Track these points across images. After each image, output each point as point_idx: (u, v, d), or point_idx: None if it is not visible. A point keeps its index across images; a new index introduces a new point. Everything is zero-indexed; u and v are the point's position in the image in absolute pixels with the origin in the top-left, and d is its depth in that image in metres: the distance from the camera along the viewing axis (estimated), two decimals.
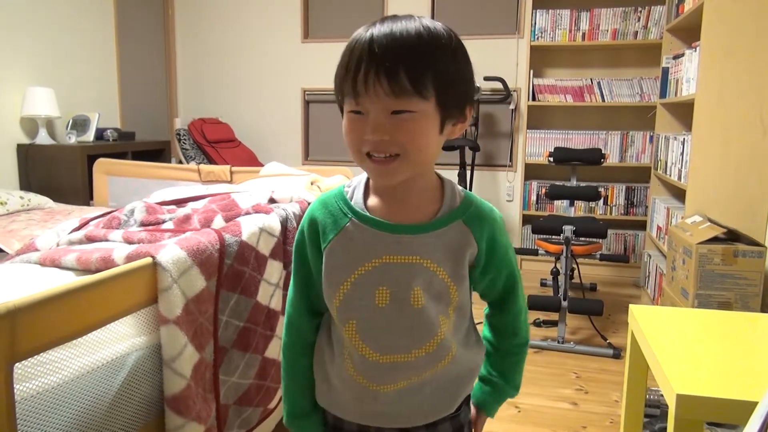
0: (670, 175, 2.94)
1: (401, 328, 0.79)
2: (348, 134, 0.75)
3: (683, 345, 1.23)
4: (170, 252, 1.14)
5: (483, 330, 0.95)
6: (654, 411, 1.95)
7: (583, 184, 3.52)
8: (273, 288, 1.51)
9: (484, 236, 0.81)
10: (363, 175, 0.84)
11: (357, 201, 0.81)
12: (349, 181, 0.86)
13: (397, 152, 0.72)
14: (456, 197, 0.82)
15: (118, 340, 1.05)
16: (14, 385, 0.81)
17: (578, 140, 3.89)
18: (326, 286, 0.82)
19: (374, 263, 0.78)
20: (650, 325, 1.34)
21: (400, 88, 0.69)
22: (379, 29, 0.71)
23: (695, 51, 2.56)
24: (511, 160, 4.16)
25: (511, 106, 4.07)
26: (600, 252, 3.10)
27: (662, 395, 1.11)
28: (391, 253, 0.78)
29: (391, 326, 0.79)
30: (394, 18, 0.73)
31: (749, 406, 0.67)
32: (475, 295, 0.90)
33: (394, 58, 0.69)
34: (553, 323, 2.84)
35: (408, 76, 0.69)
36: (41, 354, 0.87)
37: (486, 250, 0.82)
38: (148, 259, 1.11)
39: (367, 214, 0.80)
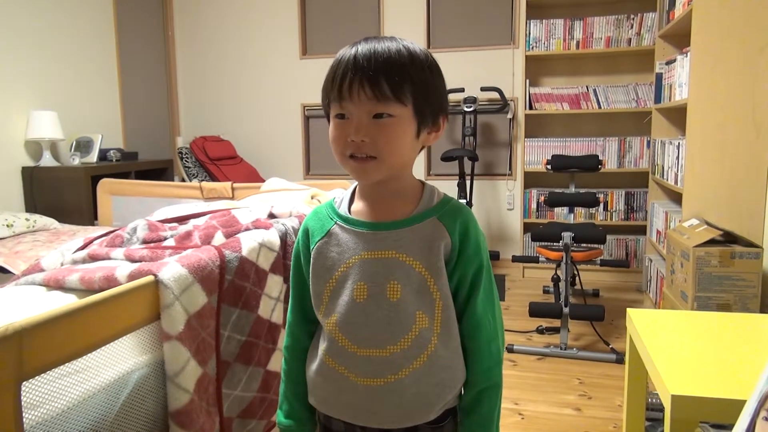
0: (667, 180, 2.96)
1: (378, 322, 0.83)
2: (333, 138, 0.83)
3: (679, 347, 1.25)
4: (171, 269, 1.17)
5: None
6: (657, 414, 1.95)
7: (582, 190, 3.55)
8: (274, 302, 1.53)
9: (457, 229, 0.85)
10: (352, 187, 0.92)
11: (343, 207, 0.89)
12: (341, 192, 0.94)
13: (374, 155, 0.80)
14: (434, 198, 0.88)
15: (122, 360, 1.08)
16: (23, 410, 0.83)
17: (576, 147, 3.91)
18: (314, 284, 0.88)
19: (354, 260, 0.85)
20: (648, 328, 1.36)
21: (381, 93, 0.78)
22: (363, 46, 0.80)
23: (686, 56, 2.59)
24: (510, 168, 4.19)
25: (509, 116, 4.11)
26: (600, 258, 3.11)
27: None
28: (369, 250, 0.84)
29: (369, 320, 0.84)
30: (377, 38, 0.82)
31: (743, 405, 0.69)
32: None
33: (376, 68, 0.78)
34: (556, 330, 2.85)
35: (388, 83, 0.78)
36: (47, 373, 0.90)
37: (459, 243, 0.85)
38: (150, 277, 1.14)
39: (350, 216, 0.87)
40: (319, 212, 0.92)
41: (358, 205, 0.89)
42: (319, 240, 0.88)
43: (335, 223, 0.88)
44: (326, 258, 0.87)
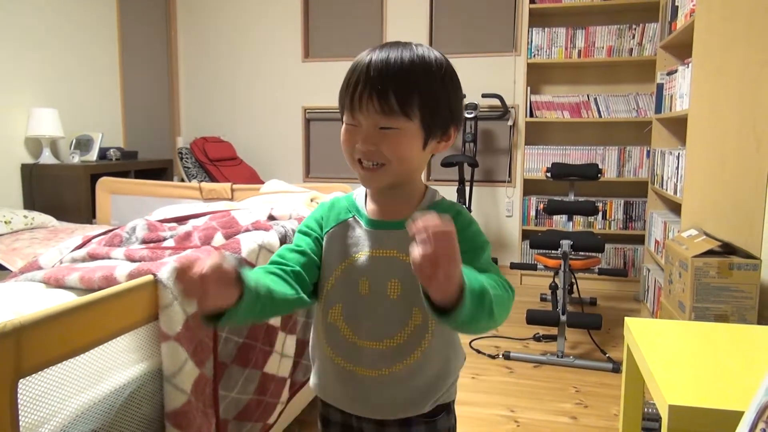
0: (667, 190, 2.96)
1: (377, 316, 0.87)
2: (343, 142, 0.87)
3: (677, 357, 1.25)
4: (171, 269, 1.17)
5: None
6: (653, 425, 1.95)
7: (581, 198, 3.55)
8: None
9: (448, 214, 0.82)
10: None
11: (360, 203, 0.93)
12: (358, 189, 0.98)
13: (382, 162, 0.83)
14: (433, 199, 0.92)
15: (120, 363, 1.07)
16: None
17: (576, 156, 3.92)
18: (323, 268, 0.92)
19: (361, 255, 0.88)
20: (645, 337, 1.35)
21: (389, 108, 0.80)
22: (377, 55, 0.81)
23: (688, 67, 2.60)
24: (509, 175, 4.20)
25: (509, 123, 4.11)
26: (599, 266, 3.11)
27: None
28: (375, 248, 0.88)
29: (370, 314, 0.87)
30: (394, 45, 0.83)
31: (741, 417, 0.69)
32: None
33: (386, 82, 0.80)
34: (553, 338, 2.85)
35: (396, 98, 0.80)
36: (45, 371, 0.89)
37: None
38: (150, 277, 1.13)
39: (365, 213, 0.91)
40: (341, 200, 0.96)
41: (372, 204, 0.93)
42: (333, 226, 0.92)
43: (352, 215, 0.92)
44: (337, 247, 0.91)
